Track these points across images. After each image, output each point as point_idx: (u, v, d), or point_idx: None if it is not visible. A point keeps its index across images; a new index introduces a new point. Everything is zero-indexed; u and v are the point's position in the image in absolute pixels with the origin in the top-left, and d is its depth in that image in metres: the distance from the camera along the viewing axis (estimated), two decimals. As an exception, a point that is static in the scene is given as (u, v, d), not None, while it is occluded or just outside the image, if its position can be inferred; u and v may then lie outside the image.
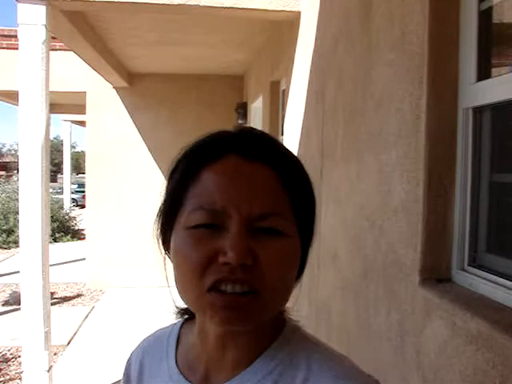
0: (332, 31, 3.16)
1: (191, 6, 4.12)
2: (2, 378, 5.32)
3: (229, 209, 0.72)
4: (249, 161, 0.75)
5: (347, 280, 2.73)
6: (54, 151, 42.64)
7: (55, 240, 13.39)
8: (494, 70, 1.75)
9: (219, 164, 0.75)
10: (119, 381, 1.08)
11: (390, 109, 2.14)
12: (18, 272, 4.23)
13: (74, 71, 8.96)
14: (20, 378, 4.82)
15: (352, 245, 2.65)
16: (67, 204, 16.70)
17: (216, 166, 0.75)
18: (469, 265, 1.74)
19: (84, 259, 9.21)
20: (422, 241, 1.80)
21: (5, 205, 13.34)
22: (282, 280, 0.74)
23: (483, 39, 1.73)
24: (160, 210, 0.82)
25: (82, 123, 14.92)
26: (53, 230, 13.43)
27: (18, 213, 4.00)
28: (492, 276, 1.61)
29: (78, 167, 43.66)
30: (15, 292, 7.53)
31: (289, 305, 0.80)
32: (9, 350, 5.96)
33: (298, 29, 4.21)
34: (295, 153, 0.83)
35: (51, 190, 17.07)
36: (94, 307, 7.66)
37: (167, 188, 0.81)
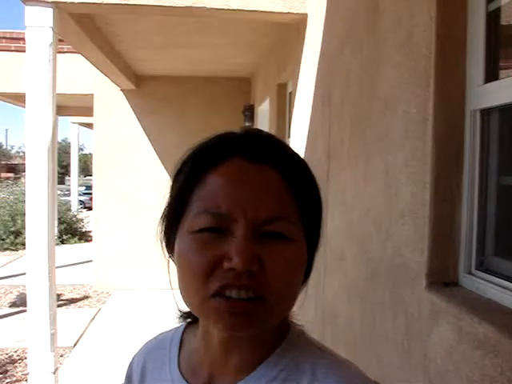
0: (338, 33, 3.14)
1: (198, 8, 4.12)
2: (8, 380, 5.33)
3: (234, 212, 0.71)
4: (255, 163, 0.73)
5: (353, 283, 2.71)
6: (62, 153, 42.81)
7: (62, 242, 13.44)
8: (502, 72, 1.73)
9: (224, 167, 0.74)
10: (122, 384, 1.06)
11: (397, 111, 2.12)
12: (25, 274, 4.23)
13: (81, 74, 9.00)
14: (26, 380, 4.82)
15: (358, 248, 2.63)
16: (75, 206, 16.76)
17: (221, 169, 0.73)
18: (476, 268, 1.72)
19: (91, 261, 9.23)
20: (429, 244, 1.78)
21: (13, 206, 13.38)
22: (288, 286, 0.73)
23: (491, 40, 1.72)
24: (164, 213, 0.81)
25: (89, 125, 14.97)
26: (60, 232, 13.48)
27: (25, 215, 4.01)
28: (500, 280, 1.59)
29: (86, 169, 43.80)
30: (22, 293, 7.56)
31: (294, 308, 0.78)
32: (15, 352, 5.97)
33: (304, 31, 4.20)
34: (302, 155, 0.81)
35: (59, 192, 17.20)
36: (100, 309, 7.66)
37: (171, 190, 0.80)
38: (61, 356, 5.73)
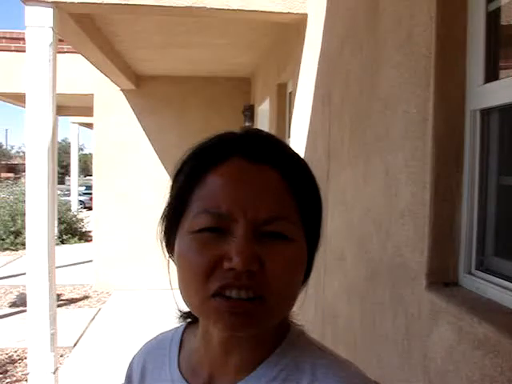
0: (338, 33, 3.14)
1: (198, 8, 4.12)
2: (8, 380, 5.33)
3: (234, 212, 0.71)
4: (255, 163, 0.73)
5: (353, 283, 2.71)
6: (62, 153, 42.81)
7: (62, 242, 13.44)
8: (502, 72, 1.73)
9: (224, 167, 0.74)
10: (122, 385, 1.06)
11: (397, 111, 2.12)
12: (25, 274, 4.23)
13: (81, 74, 9.01)
14: (26, 380, 4.82)
15: (358, 248, 2.63)
16: (75, 206, 16.76)
17: (221, 169, 0.73)
18: (476, 268, 1.72)
19: (91, 261, 9.23)
20: (429, 244, 1.78)
21: (13, 206, 13.38)
22: (288, 286, 0.73)
23: (491, 40, 1.71)
24: (164, 213, 0.81)
25: (89, 125, 14.98)
26: (60, 232, 13.48)
27: (25, 215, 4.01)
28: (500, 280, 1.59)
29: (86, 169, 43.80)
30: (22, 293, 7.56)
31: (295, 308, 0.78)
32: (15, 352, 5.96)
33: (304, 31, 4.20)
34: (302, 155, 0.81)
35: (59, 192, 17.20)
36: (100, 309, 7.66)
37: (171, 190, 0.80)
38: (61, 356, 5.73)
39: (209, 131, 0.82)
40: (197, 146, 0.79)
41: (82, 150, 52.95)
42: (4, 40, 9.07)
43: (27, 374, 4.07)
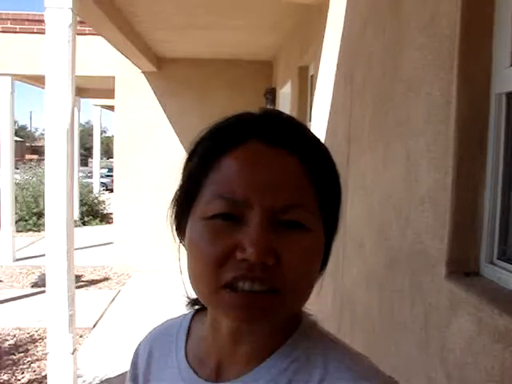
0: (361, 14, 3.08)
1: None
2: (29, 359, 5.43)
3: (250, 199, 0.67)
4: (273, 147, 0.69)
5: (372, 270, 2.68)
6: (85, 135, 43.12)
7: (84, 224, 13.59)
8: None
9: (241, 150, 0.70)
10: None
11: (420, 94, 2.06)
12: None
13: (103, 56, 9.01)
14: (46, 359, 4.89)
15: (378, 234, 2.59)
16: (96, 188, 16.91)
17: (237, 152, 0.69)
18: (498, 258, 1.66)
19: (112, 243, 9.31)
20: (450, 232, 1.73)
21: (36, 188, 13.54)
22: (304, 277, 0.70)
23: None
24: (175, 196, 0.77)
25: (112, 108, 15.04)
26: (82, 214, 13.63)
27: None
28: (523, 270, 1.54)
29: (109, 152, 44.11)
30: (43, 274, 7.65)
31: (313, 295, 0.74)
32: (36, 331, 6.07)
33: (326, 12, 4.12)
34: (322, 139, 0.77)
35: (81, 174, 17.38)
36: (120, 291, 7.74)
37: (184, 172, 0.76)
38: (80, 337, 5.81)
39: (230, 114, 0.77)
40: (213, 126, 0.75)
41: (105, 132, 53.43)
42: (27, 22, 9.10)
43: (47, 353, 4.12)
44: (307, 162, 0.70)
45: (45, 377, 4.60)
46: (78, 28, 4.29)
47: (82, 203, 13.93)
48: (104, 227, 13.50)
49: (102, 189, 18.36)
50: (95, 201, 15.11)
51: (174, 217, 0.78)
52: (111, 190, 15.38)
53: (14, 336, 6.00)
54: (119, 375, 4.79)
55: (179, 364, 0.82)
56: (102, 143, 20.14)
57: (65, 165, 3.91)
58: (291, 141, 0.70)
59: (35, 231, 12.75)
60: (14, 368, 5.21)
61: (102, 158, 22.85)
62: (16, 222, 10.88)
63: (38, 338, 5.92)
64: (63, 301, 3.96)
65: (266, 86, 7.96)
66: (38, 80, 10.80)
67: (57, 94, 3.91)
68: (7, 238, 9.52)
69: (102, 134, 19.22)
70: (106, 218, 14.58)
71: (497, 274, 1.63)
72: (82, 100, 14.82)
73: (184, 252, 0.76)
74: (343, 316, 3.25)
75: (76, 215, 12.84)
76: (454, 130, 1.72)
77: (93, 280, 8.41)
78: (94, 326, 6.19)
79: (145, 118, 8.73)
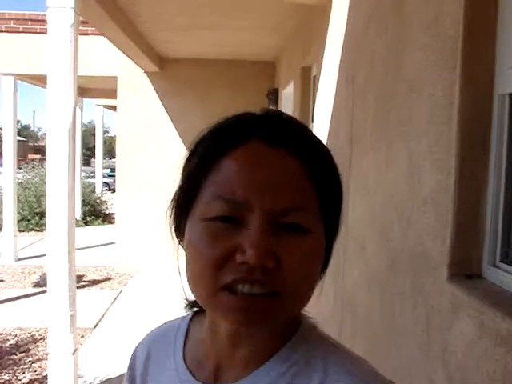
0: (364, 13, 3.06)
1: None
2: (30, 358, 5.43)
3: (250, 200, 0.66)
4: (273, 147, 0.68)
5: (374, 272, 2.66)
6: (88, 135, 43.18)
7: (86, 223, 13.60)
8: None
9: (241, 150, 0.69)
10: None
11: (422, 94, 2.04)
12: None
13: (105, 56, 9.02)
14: (47, 359, 4.89)
15: (379, 236, 2.58)
16: (99, 188, 16.93)
17: (238, 153, 0.69)
18: (501, 261, 1.64)
19: (114, 243, 9.31)
20: (452, 233, 1.71)
21: (38, 188, 13.54)
22: (304, 281, 0.69)
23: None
24: (174, 197, 0.77)
25: (114, 108, 15.04)
26: (84, 214, 13.64)
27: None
28: (526, 273, 1.52)
29: (112, 152, 44.15)
30: (45, 274, 7.65)
31: (313, 297, 0.73)
32: (38, 331, 6.07)
33: (329, 13, 4.11)
34: (324, 141, 0.76)
35: (84, 174, 17.39)
36: (121, 291, 7.74)
37: (183, 173, 0.76)
38: (81, 337, 5.81)
39: (231, 114, 0.76)
40: (213, 126, 0.74)
41: (107, 132, 53.47)
42: (30, 22, 9.11)
43: (48, 353, 4.11)
44: (308, 164, 0.69)
45: (46, 377, 4.60)
46: (81, 28, 4.29)
47: (85, 203, 13.94)
48: (106, 227, 13.50)
49: (104, 189, 18.38)
50: (97, 201, 15.11)
51: (172, 218, 0.77)
52: (114, 190, 15.40)
53: (16, 336, 6.00)
54: (120, 376, 4.78)
55: (177, 366, 0.81)
56: (104, 143, 20.18)
57: (66, 164, 3.90)
58: (292, 141, 0.70)
59: (37, 231, 12.75)
60: (15, 368, 5.20)
61: (104, 158, 22.89)
62: (18, 221, 10.90)
63: (39, 337, 5.92)
64: (64, 301, 3.95)
65: (268, 87, 7.96)
66: (41, 80, 10.81)
67: (59, 93, 3.91)
68: (9, 237, 9.52)
69: (104, 133, 19.27)
70: (108, 218, 14.58)
71: (499, 277, 1.61)
72: (85, 100, 14.83)
73: (182, 253, 0.75)
74: (344, 318, 3.24)
75: (78, 215, 12.85)
76: (456, 131, 1.70)
77: (94, 280, 8.41)
78: (96, 326, 6.18)
79: (147, 118, 8.73)
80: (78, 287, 4.36)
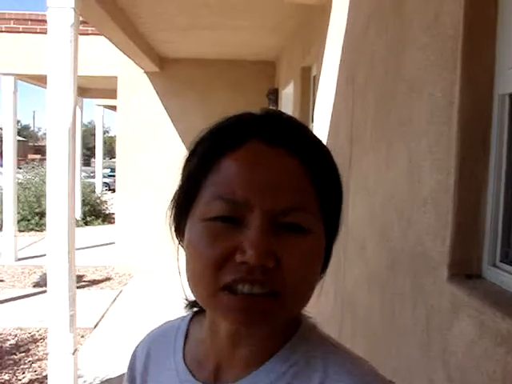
0: (363, 13, 3.06)
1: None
2: (30, 359, 5.43)
3: (250, 200, 0.66)
4: (273, 147, 0.68)
5: (374, 272, 2.66)
6: (88, 135, 43.15)
7: (86, 223, 13.59)
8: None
9: (241, 150, 0.69)
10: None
11: (422, 94, 2.04)
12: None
13: (106, 56, 9.02)
14: (47, 359, 4.89)
15: (379, 236, 2.57)
16: (99, 188, 16.92)
17: (238, 153, 0.68)
18: (501, 261, 1.64)
19: (114, 243, 9.30)
20: (452, 233, 1.71)
21: (38, 188, 13.53)
22: (304, 281, 0.69)
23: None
24: (174, 197, 0.77)
25: (114, 108, 15.04)
26: (84, 214, 13.64)
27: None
28: (526, 273, 1.52)
29: (112, 152, 44.11)
30: (45, 274, 7.65)
31: (313, 297, 0.73)
32: (38, 331, 6.07)
33: (329, 13, 4.11)
34: (324, 141, 0.76)
35: (84, 174, 17.39)
36: (121, 291, 7.73)
37: (183, 173, 0.76)
38: (81, 337, 5.81)
39: (231, 114, 0.76)
40: (213, 126, 0.74)
41: (107, 132, 53.45)
42: (30, 22, 9.11)
43: (48, 353, 4.11)
44: (308, 164, 0.69)
45: (46, 377, 4.60)
46: (81, 28, 4.29)
47: (85, 203, 13.93)
48: (106, 227, 13.49)
49: (104, 189, 18.38)
50: (97, 201, 15.10)
51: (172, 218, 0.77)
52: (114, 190, 15.40)
53: (16, 336, 6.00)
54: (120, 376, 4.78)
55: (177, 366, 0.81)
56: (104, 143, 20.17)
57: (66, 164, 3.90)
58: (292, 141, 0.70)
59: (37, 231, 12.75)
60: (15, 368, 5.20)
61: (104, 158, 22.88)
62: (18, 221, 10.89)
63: (39, 337, 5.92)
64: (64, 301, 3.95)
65: (268, 87, 7.95)
66: (41, 80, 10.82)
67: (58, 93, 3.90)
68: (9, 237, 9.52)
69: (104, 133, 19.27)
70: (108, 218, 14.57)
71: (499, 277, 1.61)
72: (85, 100, 14.82)
73: (182, 253, 0.75)
74: (344, 318, 3.23)
75: (78, 215, 12.84)
76: (456, 131, 1.70)
77: (94, 280, 8.40)
78: (96, 326, 6.18)
79: (147, 118, 8.73)
80: (78, 287, 4.36)
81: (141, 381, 0.88)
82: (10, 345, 5.76)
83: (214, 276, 0.66)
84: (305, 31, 5.44)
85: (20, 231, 11.36)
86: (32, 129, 70.49)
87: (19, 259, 9.57)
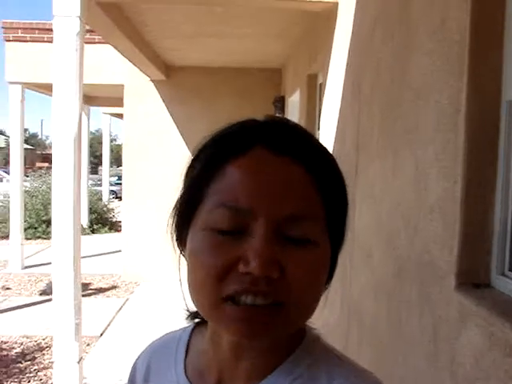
0: (369, 20, 3.05)
1: (226, -4, 4.07)
2: (36, 367, 5.41)
3: (254, 208, 0.64)
4: (278, 155, 0.66)
5: (380, 280, 2.63)
6: (95, 144, 43.33)
7: (93, 231, 13.59)
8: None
9: (245, 157, 0.67)
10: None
11: (429, 101, 2.02)
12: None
13: (112, 64, 9.06)
14: (53, 368, 4.88)
15: (386, 244, 2.55)
16: (106, 196, 16.94)
17: (241, 160, 0.67)
18: (510, 270, 1.62)
19: (120, 251, 9.30)
20: (459, 242, 1.69)
21: (45, 196, 13.57)
22: (309, 292, 0.67)
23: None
24: (176, 205, 0.75)
25: (121, 116, 15.08)
26: (91, 222, 13.64)
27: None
28: (535, 282, 1.49)
29: (119, 160, 44.19)
30: (52, 282, 7.66)
31: (318, 307, 0.72)
32: (44, 339, 6.04)
33: (335, 20, 4.10)
34: (330, 149, 0.75)
35: (91, 182, 17.41)
36: (128, 299, 7.71)
37: (185, 181, 0.74)
38: (87, 345, 5.79)
39: (235, 120, 0.75)
40: (216, 133, 0.72)
41: (114, 140, 53.63)
42: (37, 31, 9.16)
43: (53, 362, 4.10)
44: (314, 172, 0.67)
45: (51, 386, 4.58)
46: (88, 37, 4.30)
47: (91, 211, 13.94)
48: (113, 235, 13.48)
49: (111, 197, 18.41)
50: (104, 209, 15.11)
51: (174, 226, 0.75)
52: (121, 198, 15.44)
53: (22, 344, 5.98)
54: (125, 384, 4.76)
55: (178, 378, 0.80)
56: (111, 151, 20.22)
57: (72, 173, 3.90)
58: (298, 149, 0.68)
59: (44, 239, 12.76)
60: (21, 376, 5.18)
61: (111, 166, 22.93)
62: (25, 229, 10.91)
63: (45, 346, 5.90)
64: (69, 309, 3.94)
65: (274, 95, 7.96)
66: (49, 88, 10.85)
67: (64, 102, 3.91)
68: (16, 245, 9.53)
69: (111, 141, 19.32)
70: (115, 226, 14.57)
71: (508, 286, 1.58)
72: (92, 108, 14.87)
73: (184, 262, 0.74)
74: (351, 326, 3.21)
75: (85, 223, 12.85)
76: (463, 138, 1.68)
77: (101, 288, 8.39)
78: (102, 335, 6.16)
79: (153, 125, 8.74)
80: (84, 295, 4.36)
81: (141, 392, 0.86)
82: (16, 353, 5.74)
83: (216, 286, 0.65)
84: (311, 38, 5.44)
85: (27, 239, 11.38)
86: (40, 137, 70.91)
87: (26, 267, 9.58)
